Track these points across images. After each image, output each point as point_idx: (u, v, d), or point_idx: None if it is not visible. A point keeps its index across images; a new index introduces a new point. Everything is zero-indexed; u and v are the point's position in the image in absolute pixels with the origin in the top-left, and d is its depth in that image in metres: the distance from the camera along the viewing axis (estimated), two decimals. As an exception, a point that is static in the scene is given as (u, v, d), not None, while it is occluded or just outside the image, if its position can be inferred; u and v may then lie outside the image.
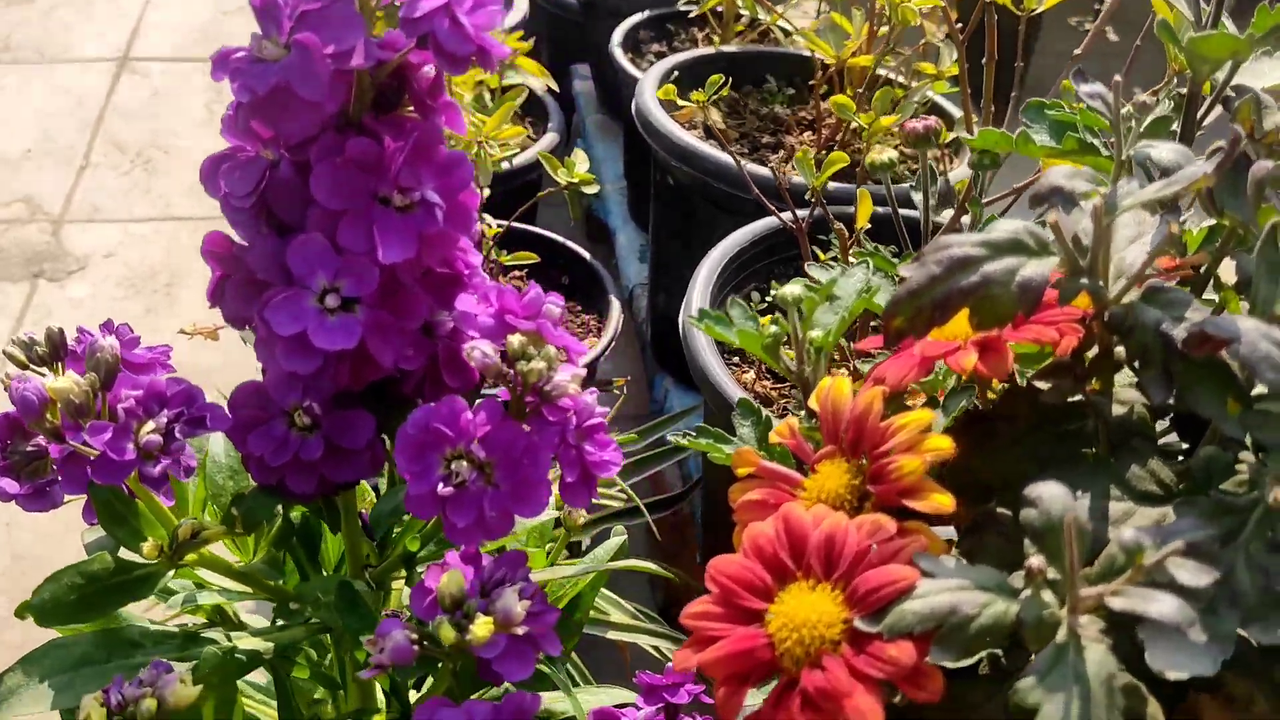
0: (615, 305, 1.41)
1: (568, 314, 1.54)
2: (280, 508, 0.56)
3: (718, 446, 0.58)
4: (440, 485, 0.48)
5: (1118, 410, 0.46)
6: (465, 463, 0.48)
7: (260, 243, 0.48)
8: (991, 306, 0.43)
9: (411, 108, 0.51)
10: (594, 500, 0.93)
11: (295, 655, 0.67)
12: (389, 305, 0.49)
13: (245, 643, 0.59)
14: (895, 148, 1.20)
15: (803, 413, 0.54)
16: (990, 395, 0.52)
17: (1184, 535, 0.38)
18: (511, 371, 0.49)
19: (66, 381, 0.47)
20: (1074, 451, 0.46)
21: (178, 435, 0.49)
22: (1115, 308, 0.43)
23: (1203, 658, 0.36)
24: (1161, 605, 0.34)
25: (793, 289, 0.51)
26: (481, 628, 0.46)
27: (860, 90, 1.21)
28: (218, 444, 0.60)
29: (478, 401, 0.50)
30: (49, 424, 0.48)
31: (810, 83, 1.37)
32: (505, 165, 1.64)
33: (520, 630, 0.47)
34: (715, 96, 1.08)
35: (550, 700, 0.71)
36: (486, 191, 1.46)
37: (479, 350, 0.47)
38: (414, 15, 0.44)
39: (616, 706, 0.70)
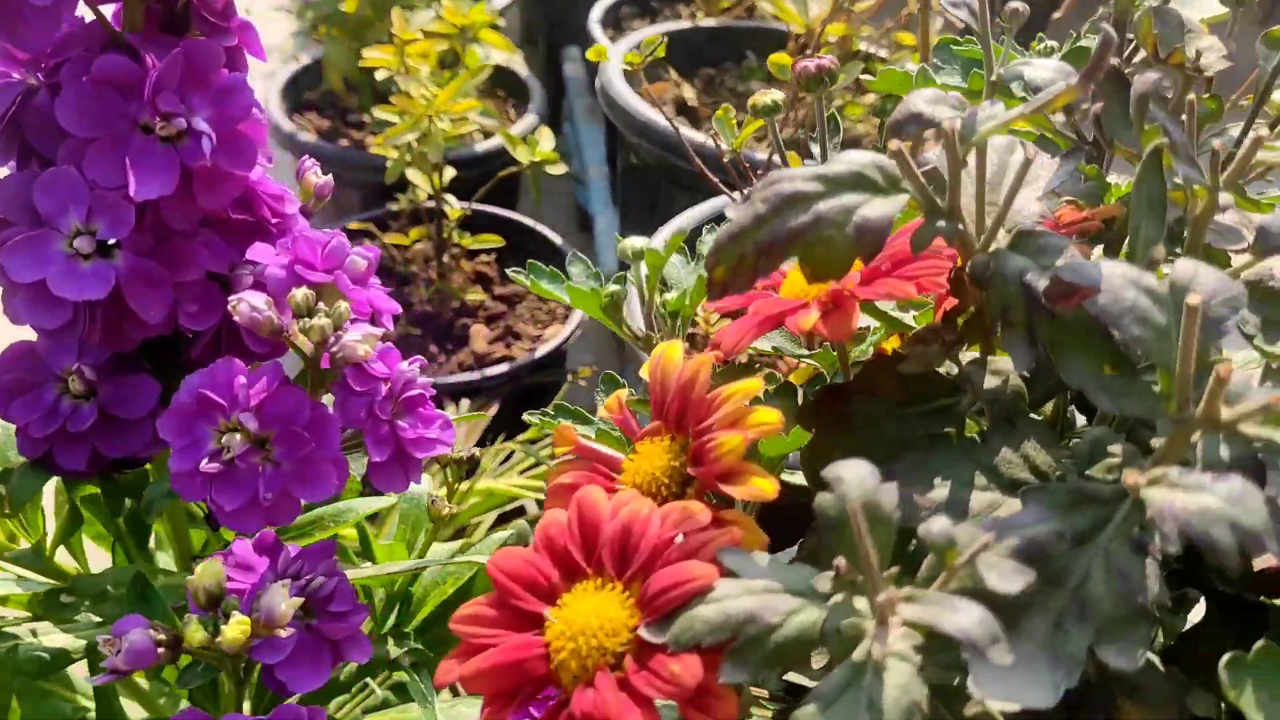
0: (583, 292, 1.34)
1: (536, 300, 1.47)
2: (67, 489, 0.50)
3: (573, 427, 0.51)
4: (205, 461, 0.41)
5: (991, 382, 0.39)
6: (238, 436, 0.41)
7: (13, 179, 0.42)
8: (824, 251, 0.35)
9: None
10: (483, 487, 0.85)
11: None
12: (159, 253, 0.42)
13: (52, 639, 0.53)
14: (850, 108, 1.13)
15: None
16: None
17: (1025, 529, 0.30)
18: (295, 329, 0.42)
19: None
20: (938, 433, 0.39)
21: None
22: (978, 256, 0.36)
23: (1039, 686, 0.29)
24: (959, 617, 0.27)
25: (634, 241, 0.44)
26: (234, 629, 0.39)
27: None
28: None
29: (261, 366, 0.43)
30: None
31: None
32: (478, 148, 1.59)
33: (284, 633, 0.40)
34: (691, 73, 1.01)
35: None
36: (451, 172, 1.41)
37: (245, 303, 0.40)
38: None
39: None
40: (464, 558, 0.59)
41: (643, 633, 0.34)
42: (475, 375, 1.28)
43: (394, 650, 0.63)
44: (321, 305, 0.42)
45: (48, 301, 0.40)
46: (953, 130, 0.34)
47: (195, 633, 0.39)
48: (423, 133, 1.24)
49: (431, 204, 1.38)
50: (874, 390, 0.41)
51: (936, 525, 0.29)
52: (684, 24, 1.46)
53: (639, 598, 0.35)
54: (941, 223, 0.36)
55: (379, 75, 1.27)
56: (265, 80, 1.73)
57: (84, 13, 0.41)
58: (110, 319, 0.42)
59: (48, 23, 0.39)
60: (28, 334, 0.46)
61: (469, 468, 0.60)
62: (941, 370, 0.41)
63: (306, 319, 0.41)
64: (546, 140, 1.31)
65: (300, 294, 0.42)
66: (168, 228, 0.42)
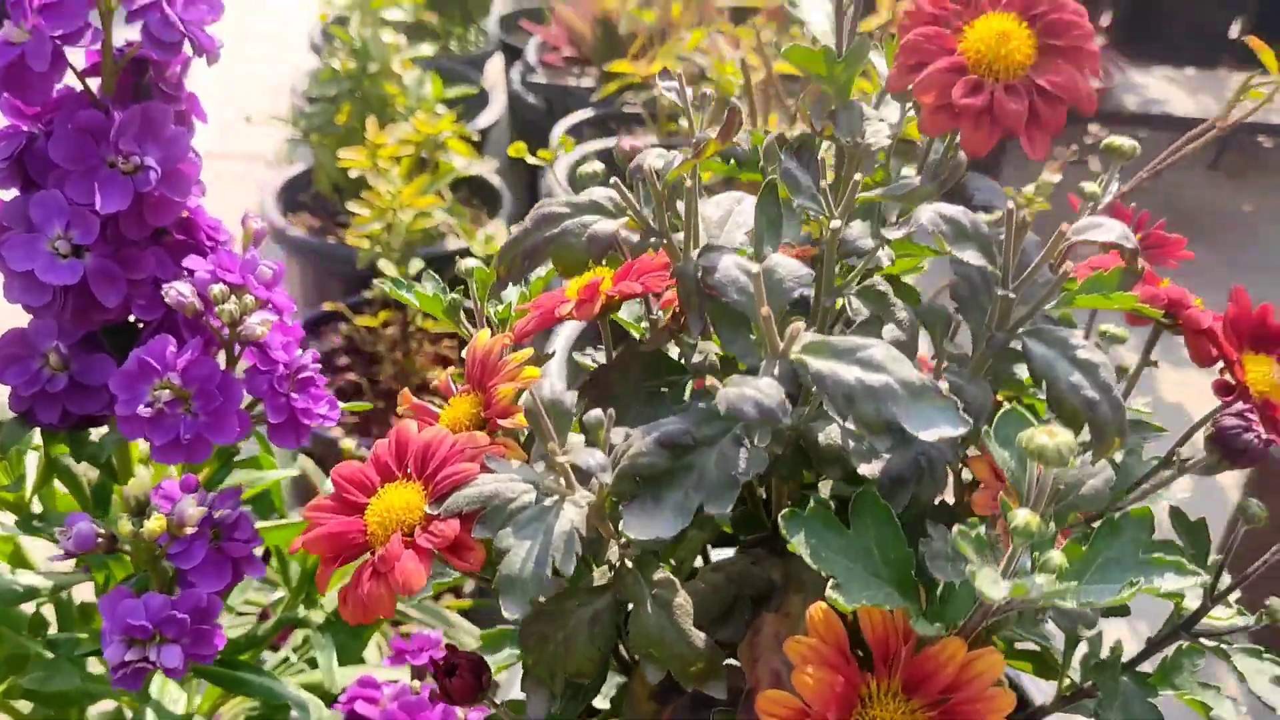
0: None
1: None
2: (44, 449, 0.65)
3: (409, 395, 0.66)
4: (141, 408, 0.56)
5: (697, 358, 0.54)
6: (167, 391, 0.57)
7: (18, 199, 0.58)
8: (568, 254, 0.51)
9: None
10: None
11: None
12: (117, 257, 0.59)
13: (25, 578, 0.68)
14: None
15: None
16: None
17: (665, 428, 0.46)
18: (216, 320, 0.58)
19: None
20: (660, 394, 0.54)
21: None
22: (677, 264, 0.52)
23: (664, 525, 0.44)
24: (590, 458, 0.42)
25: (468, 262, 0.60)
26: (154, 523, 0.54)
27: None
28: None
29: (187, 343, 0.59)
30: None
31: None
32: (449, 245, 1.78)
33: (190, 530, 0.55)
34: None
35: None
36: (419, 263, 1.59)
37: (175, 290, 0.56)
38: (133, 7, 0.55)
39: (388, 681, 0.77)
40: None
41: (427, 508, 0.49)
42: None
43: (303, 612, 0.77)
44: (233, 297, 0.58)
45: (35, 286, 0.56)
46: (652, 170, 0.50)
47: (125, 525, 0.54)
48: (388, 224, 1.42)
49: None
50: (625, 369, 0.56)
51: (592, 414, 0.44)
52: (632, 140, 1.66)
53: (430, 490, 0.50)
54: (652, 239, 0.52)
55: (352, 174, 1.46)
56: (261, 187, 1.92)
57: (74, 83, 0.58)
58: (79, 303, 0.58)
59: (44, 85, 0.55)
60: (18, 318, 0.62)
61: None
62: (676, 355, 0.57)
63: (222, 305, 0.57)
64: (502, 236, 1.49)
65: (217, 288, 0.58)
66: (124, 238, 0.58)
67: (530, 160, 1.06)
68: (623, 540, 0.50)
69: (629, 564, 0.50)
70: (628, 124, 1.89)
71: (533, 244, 0.52)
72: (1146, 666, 0.60)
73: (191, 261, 0.61)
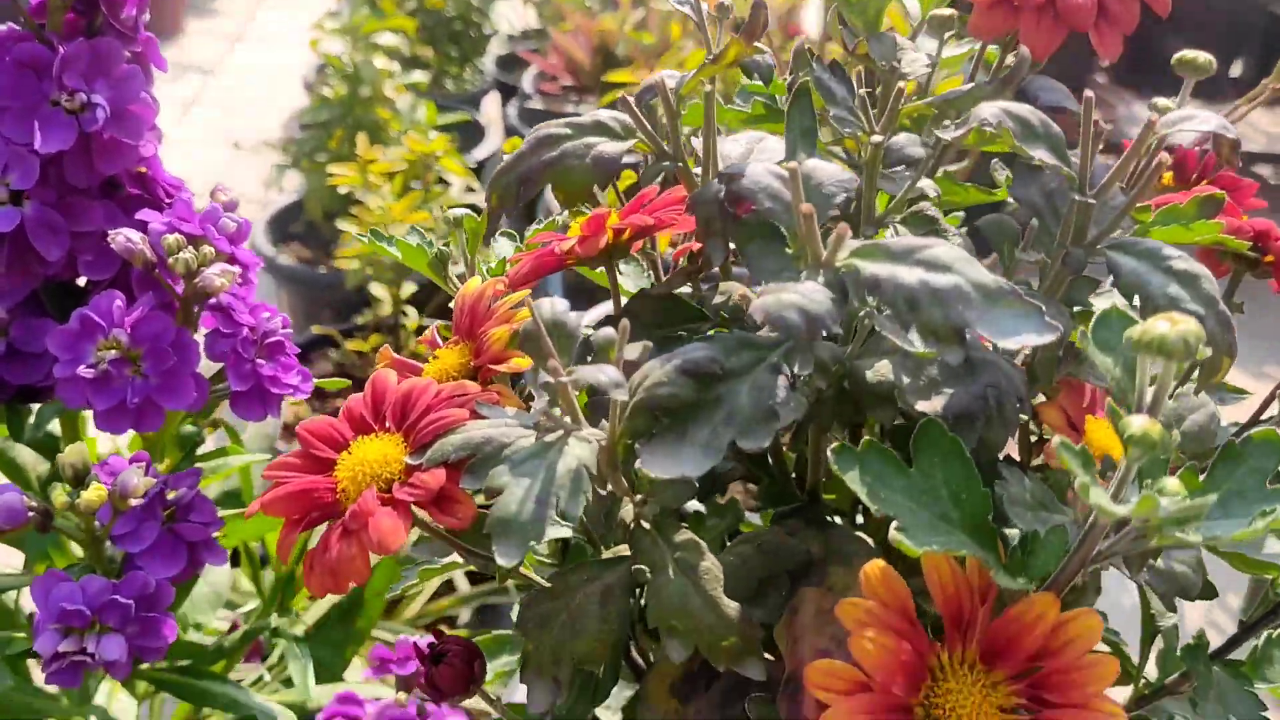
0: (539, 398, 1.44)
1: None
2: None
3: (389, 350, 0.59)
4: (82, 368, 0.49)
5: (719, 299, 0.47)
6: (113, 351, 0.50)
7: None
8: (569, 177, 0.45)
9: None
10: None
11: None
12: (61, 205, 0.52)
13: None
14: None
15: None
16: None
17: (689, 354, 0.39)
18: (170, 274, 0.51)
19: None
20: (676, 338, 0.47)
21: None
22: (695, 190, 0.45)
23: (689, 462, 0.37)
24: (601, 375, 0.35)
25: (456, 211, 0.53)
26: (91, 493, 0.47)
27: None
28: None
29: (139, 299, 0.52)
30: None
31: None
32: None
33: (135, 503, 0.48)
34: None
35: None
36: (411, 287, 1.53)
37: (123, 235, 0.50)
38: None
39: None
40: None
41: (407, 459, 0.41)
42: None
43: (277, 621, 0.69)
44: (190, 248, 0.51)
45: (-38, 234, 0.50)
46: (665, 86, 0.44)
47: (60, 496, 0.47)
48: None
49: (392, 321, 1.49)
50: (635, 316, 0.49)
51: (602, 332, 0.37)
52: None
53: (411, 439, 0.42)
54: (665, 162, 0.45)
55: (342, 190, 1.40)
56: (255, 211, 1.87)
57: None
58: (15, 254, 0.51)
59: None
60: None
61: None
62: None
63: (176, 255, 0.50)
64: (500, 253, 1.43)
65: (172, 238, 0.51)
66: (69, 185, 0.51)
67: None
68: (638, 498, 0.42)
69: (646, 525, 0.42)
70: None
71: (528, 168, 0.45)
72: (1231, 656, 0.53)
73: (146, 214, 0.54)
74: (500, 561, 0.34)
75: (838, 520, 0.50)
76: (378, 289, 1.49)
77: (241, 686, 0.59)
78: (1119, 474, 0.32)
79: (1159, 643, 0.55)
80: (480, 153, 2.11)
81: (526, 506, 0.35)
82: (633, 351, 0.36)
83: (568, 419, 0.38)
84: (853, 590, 0.43)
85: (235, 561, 1.08)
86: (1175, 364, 0.30)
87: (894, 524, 0.35)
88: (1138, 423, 0.30)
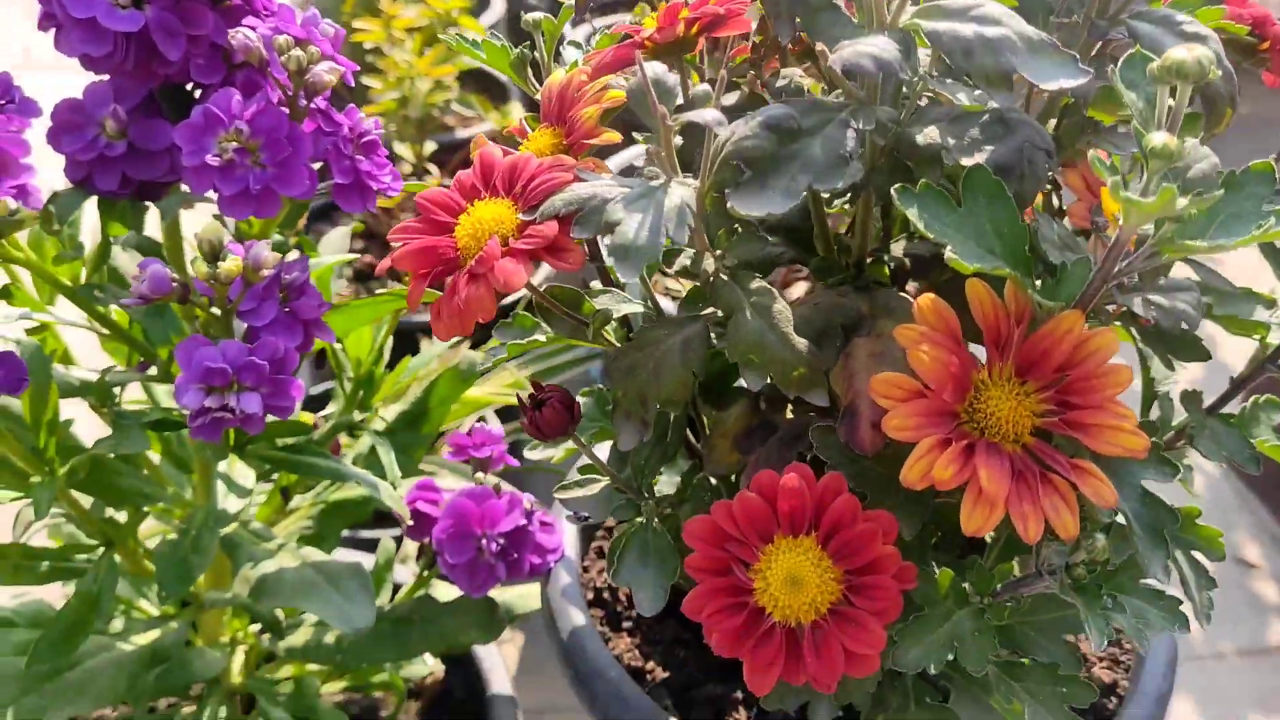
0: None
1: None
2: (101, 225, 0.63)
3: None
4: (209, 157, 0.55)
5: (781, 82, 0.53)
6: (234, 143, 0.55)
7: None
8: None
9: None
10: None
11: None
12: (177, 9, 0.57)
13: (77, 372, 0.67)
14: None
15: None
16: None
17: (769, 113, 0.45)
18: (281, 71, 0.57)
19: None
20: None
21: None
22: (761, -24, 0.50)
23: (774, 202, 0.43)
24: (703, 115, 0.41)
25: (534, 15, 0.59)
26: (231, 263, 0.53)
27: None
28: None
29: (253, 96, 0.57)
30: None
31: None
32: (459, 134, 1.75)
33: (267, 275, 0.54)
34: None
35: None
36: (432, 145, 1.57)
37: (241, 34, 0.55)
38: None
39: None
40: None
41: (520, 216, 0.48)
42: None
43: (359, 416, 0.76)
44: (298, 48, 0.57)
45: (96, 33, 0.55)
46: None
47: (201, 267, 0.53)
48: (404, 95, 1.40)
49: (415, 178, 1.53)
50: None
51: (700, 86, 0.43)
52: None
53: (521, 203, 0.49)
54: (738, -48, 0.50)
55: (367, 45, 1.44)
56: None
57: None
58: (140, 54, 0.56)
59: None
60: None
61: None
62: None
63: (287, 54, 0.56)
64: (517, 112, 1.47)
65: (282, 38, 0.56)
66: (182, -7, 0.57)
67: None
68: (718, 253, 0.49)
69: (725, 276, 0.49)
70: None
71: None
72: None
73: (249, 23, 0.59)
74: (622, 278, 0.41)
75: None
76: (401, 147, 1.53)
77: (341, 460, 0.66)
78: (1142, 182, 0.38)
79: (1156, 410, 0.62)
80: (486, 19, 2.12)
81: (641, 233, 0.41)
82: (750, 136, 0.42)
83: (666, 168, 0.44)
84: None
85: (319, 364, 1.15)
86: (1191, 87, 0.36)
87: (948, 248, 0.42)
88: (1159, 138, 0.37)
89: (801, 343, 0.48)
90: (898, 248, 0.60)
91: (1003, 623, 0.49)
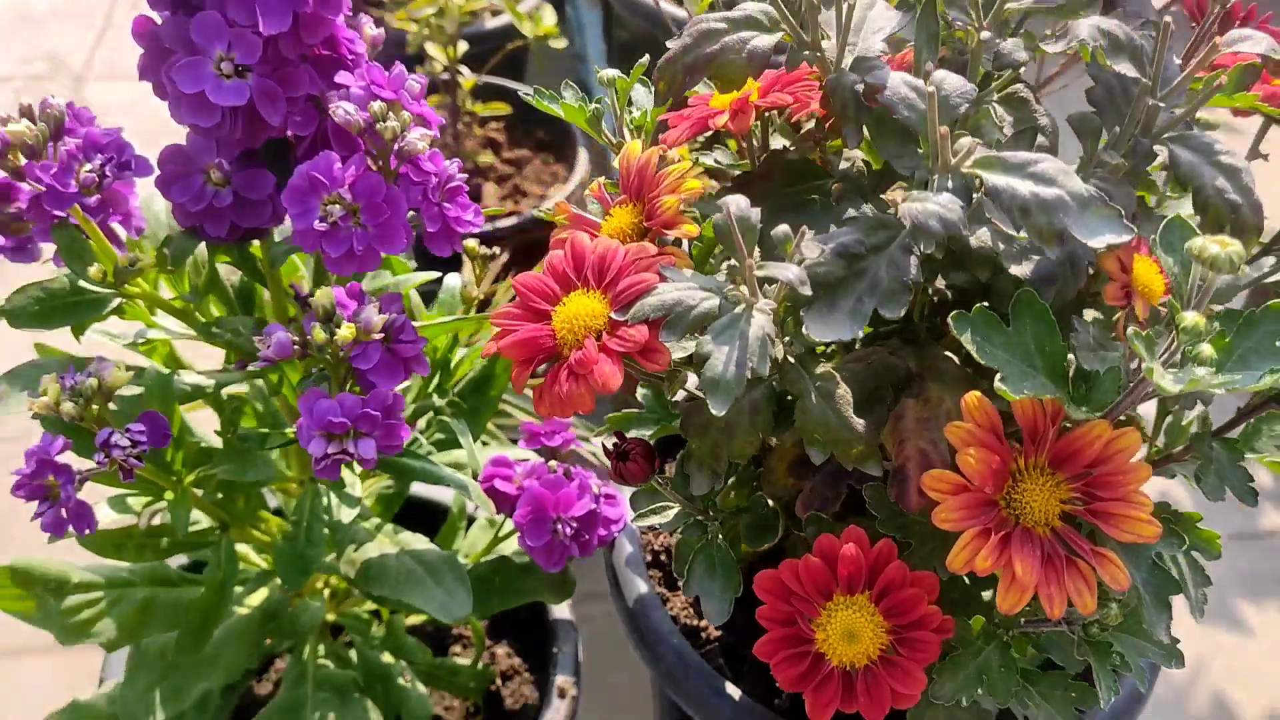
0: (583, 156, 1.54)
1: (541, 164, 1.65)
2: (207, 258, 0.69)
3: (568, 205, 0.70)
4: (317, 222, 0.60)
5: (844, 165, 0.57)
6: (338, 206, 0.60)
7: (172, 20, 0.60)
8: (728, 70, 0.54)
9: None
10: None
11: (240, 405, 0.80)
12: (276, 76, 0.61)
13: (189, 377, 0.73)
14: None
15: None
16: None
17: (840, 238, 0.50)
18: (378, 138, 0.61)
19: (20, 126, 0.60)
20: (808, 200, 0.58)
21: (108, 174, 0.61)
22: (831, 76, 0.54)
23: (843, 327, 0.49)
24: (787, 271, 0.46)
25: (608, 72, 0.62)
26: (346, 330, 0.59)
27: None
28: (160, 207, 0.72)
29: (350, 159, 0.62)
30: (11, 163, 0.61)
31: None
32: (488, 25, 1.75)
33: (377, 337, 0.60)
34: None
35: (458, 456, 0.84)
36: (464, 45, 1.58)
37: (341, 109, 0.59)
38: None
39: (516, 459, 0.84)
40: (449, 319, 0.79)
41: (613, 315, 0.53)
42: (488, 226, 1.46)
43: (438, 401, 0.83)
44: (390, 114, 0.61)
45: (205, 107, 0.59)
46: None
47: (319, 333, 0.59)
48: (440, 7, 1.41)
49: (446, 77, 1.55)
50: (768, 177, 0.59)
51: (779, 228, 0.48)
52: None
53: (611, 298, 0.54)
54: (805, 51, 0.54)
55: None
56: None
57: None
58: (246, 122, 0.61)
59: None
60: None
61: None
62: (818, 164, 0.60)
63: (382, 123, 0.60)
64: (549, 16, 1.48)
65: (376, 105, 0.60)
66: (282, 57, 0.60)
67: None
68: (786, 339, 0.55)
69: (792, 360, 0.55)
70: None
71: (694, 60, 0.54)
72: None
73: (342, 77, 0.63)
74: (714, 410, 0.47)
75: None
76: (433, 48, 1.54)
77: (432, 460, 0.73)
78: (1170, 346, 0.44)
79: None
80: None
81: (730, 369, 0.47)
82: (810, 250, 0.47)
83: (746, 291, 0.50)
84: (946, 403, 0.56)
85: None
86: (1220, 274, 0.41)
87: (997, 376, 0.48)
88: (1190, 317, 0.42)
89: (859, 423, 0.54)
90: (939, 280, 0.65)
91: (1024, 657, 0.57)
